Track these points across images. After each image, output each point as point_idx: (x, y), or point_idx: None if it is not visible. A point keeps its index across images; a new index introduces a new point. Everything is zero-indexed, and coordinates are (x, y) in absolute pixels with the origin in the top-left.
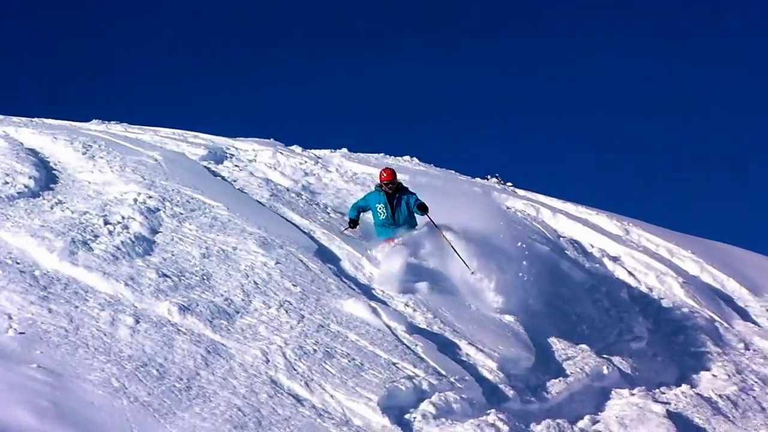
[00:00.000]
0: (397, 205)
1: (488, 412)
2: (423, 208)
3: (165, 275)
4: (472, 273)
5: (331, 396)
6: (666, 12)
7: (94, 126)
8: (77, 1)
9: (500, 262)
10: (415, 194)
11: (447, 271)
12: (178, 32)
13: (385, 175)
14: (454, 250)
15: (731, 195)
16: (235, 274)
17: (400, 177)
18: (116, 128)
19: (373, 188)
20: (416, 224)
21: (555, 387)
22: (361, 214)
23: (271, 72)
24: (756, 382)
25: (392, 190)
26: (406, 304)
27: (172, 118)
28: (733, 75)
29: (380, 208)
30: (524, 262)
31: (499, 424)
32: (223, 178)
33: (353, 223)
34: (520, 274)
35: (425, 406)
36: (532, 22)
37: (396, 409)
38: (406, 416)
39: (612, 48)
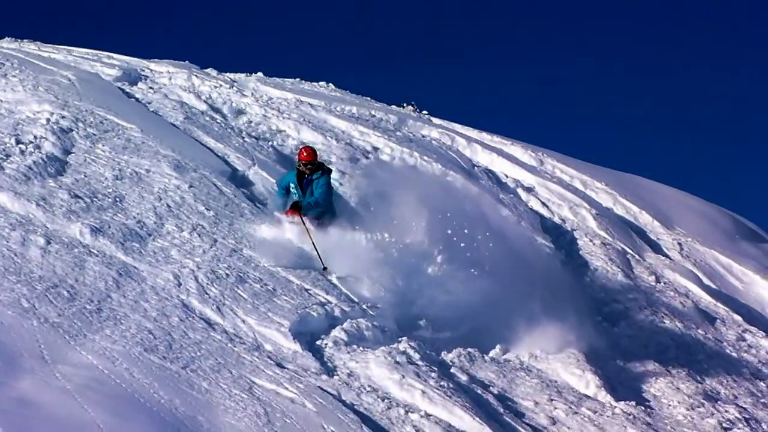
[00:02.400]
0: (307, 186)
1: (400, 339)
2: (294, 206)
3: (77, 196)
4: (324, 269)
5: (243, 321)
6: None
7: (6, 44)
8: None
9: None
10: (323, 179)
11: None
12: None
13: (305, 154)
14: (314, 247)
15: (645, 126)
16: (148, 197)
17: (315, 102)
18: (29, 47)
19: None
20: (333, 211)
21: (467, 317)
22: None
23: None
24: (666, 314)
25: (309, 171)
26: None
27: (87, 38)
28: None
29: (293, 188)
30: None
31: (411, 351)
32: (137, 99)
33: (295, 205)
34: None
35: (337, 332)
36: None
37: (307, 335)
38: (318, 342)
39: None
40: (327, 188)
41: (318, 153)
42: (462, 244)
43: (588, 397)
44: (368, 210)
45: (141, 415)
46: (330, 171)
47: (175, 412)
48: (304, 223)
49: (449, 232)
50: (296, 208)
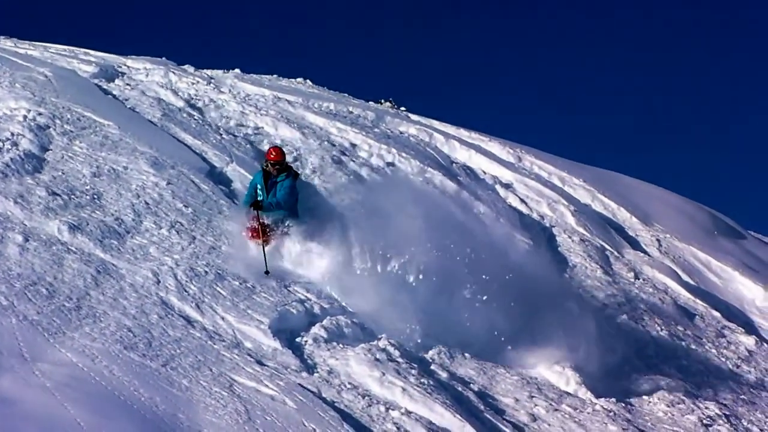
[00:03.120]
0: (272, 188)
1: (379, 336)
2: (255, 204)
3: (55, 193)
4: (266, 273)
5: (222, 318)
6: None
7: None
8: None
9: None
10: (288, 181)
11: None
12: None
13: (273, 155)
14: (263, 252)
15: (623, 124)
16: (126, 194)
17: (292, 98)
18: (5, 43)
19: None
20: (297, 214)
21: (448, 314)
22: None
23: None
24: (645, 311)
25: (276, 172)
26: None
27: (63, 35)
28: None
29: (259, 189)
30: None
31: (390, 349)
32: (114, 96)
33: (256, 204)
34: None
35: (316, 329)
36: None
37: (287, 332)
38: (297, 339)
39: None
40: (290, 191)
41: (286, 155)
42: (439, 252)
43: (568, 394)
44: (351, 213)
45: (121, 412)
46: (297, 175)
47: (155, 409)
48: (260, 223)
49: (430, 237)
50: (256, 207)
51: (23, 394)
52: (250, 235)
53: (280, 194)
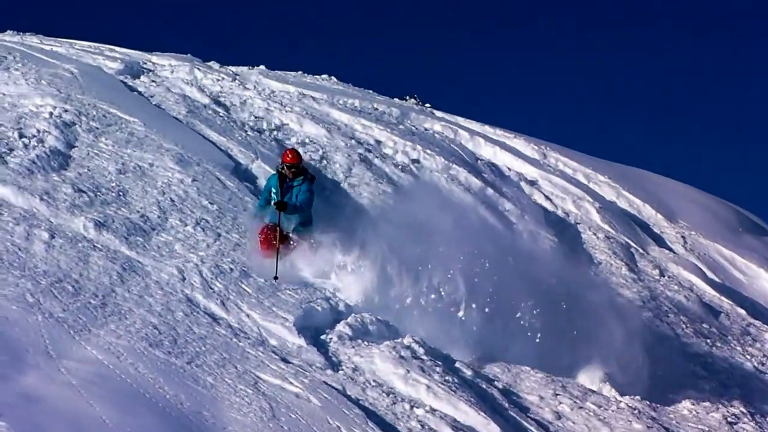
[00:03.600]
0: (288, 191)
1: (404, 334)
2: (280, 206)
3: (81, 190)
4: (275, 278)
5: (247, 315)
6: None
7: (9, 37)
8: None
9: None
10: (306, 185)
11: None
12: None
13: (289, 157)
14: (276, 256)
15: (647, 120)
16: (152, 191)
17: (317, 95)
18: (32, 40)
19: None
20: (311, 221)
21: (471, 312)
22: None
23: None
24: (670, 308)
25: (292, 175)
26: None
27: (89, 31)
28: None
29: (273, 193)
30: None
31: (415, 346)
32: (139, 93)
33: (280, 205)
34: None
35: (341, 327)
36: None
37: (312, 330)
38: (322, 337)
39: None
40: (310, 195)
41: (312, 152)
42: (479, 267)
43: (593, 391)
44: (382, 222)
45: (146, 410)
46: (314, 179)
47: (181, 407)
48: (279, 228)
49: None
50: (280, 208)
51: (49, 392)
52: (264, 241)
53: (302, 198)
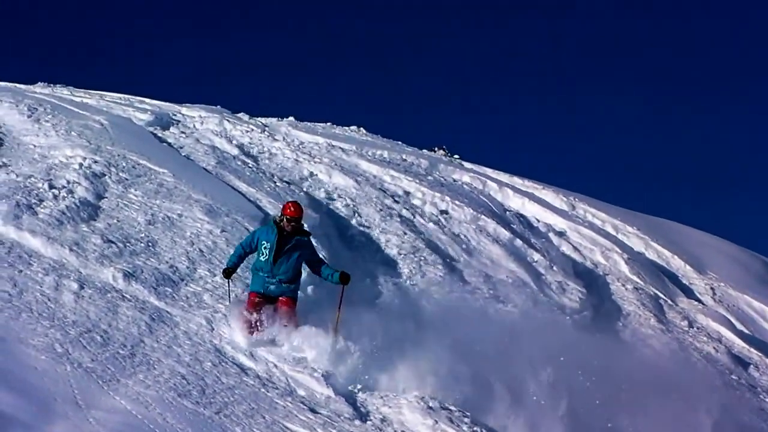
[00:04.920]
0: (286, 252)
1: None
2: (345, 279)
3: (110, 241)
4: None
5: (275, 365)
6: None
7: (40, 89)
8: None
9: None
10: (311, 246)
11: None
12: None
13: (291, 210)
14: (336, 324)
15: (676, 172)
16: (181, 242)
17: (346, 146)
18: (62, 91)
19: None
20: (297, 286)
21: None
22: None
23: (217, 38)
24: (699, 359)
25: (292, 229)
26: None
27: (119, 83)
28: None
29: (265, 248)
30: None
31: (442, 396)
32: (169, 144)
33: (228, 272)
34: None
35: (369, 378)
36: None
37: (340, 380)
38: (350, 387)
39: (566, 16)
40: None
41: (342, 203)
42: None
43: None
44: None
45: None
46: (309, 234)
47: None
48: (340, 302)
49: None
50: (345, 281)
51: None
52: (249, 323)
53: (327, 271)
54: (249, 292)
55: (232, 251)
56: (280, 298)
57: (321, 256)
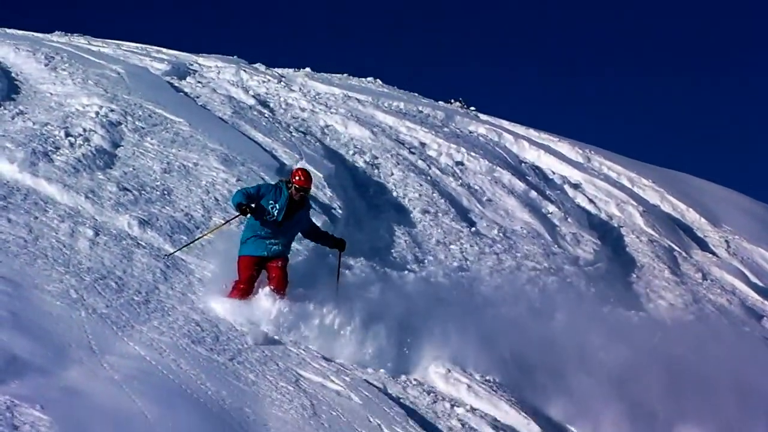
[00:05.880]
0: (294, 217)
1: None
2: (341, 245)
3: (125, 189)
4: (338, 276)
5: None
6: None
7: (57, 37)
8: None
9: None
10: (309, 213)
11: None
12: None
13: (301, 178)
14: (337, 276)
15: (692, 124)
16: (196, 190)
17: (362, 97)
18: (79, 40)
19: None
20: (289, 251)
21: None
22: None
23: None
24: (713, 311)
25: (300, 199)
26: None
27: (136, 32)
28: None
29: (273, 207)
30: None
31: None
32: (185, 93)
33: (244, 208)
34: None
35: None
36: None
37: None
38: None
39: None
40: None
41: (361, 155)
42: None
43: None
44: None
45: (188, 406)
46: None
47: (222, 403)
48: (338, 268)
49: None
50: (341, 246)
51: (91, 387)
52: (245, 289)
53: (334, 238)
54: (244, 256)
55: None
56: (278, 260)
57: (336, 207)
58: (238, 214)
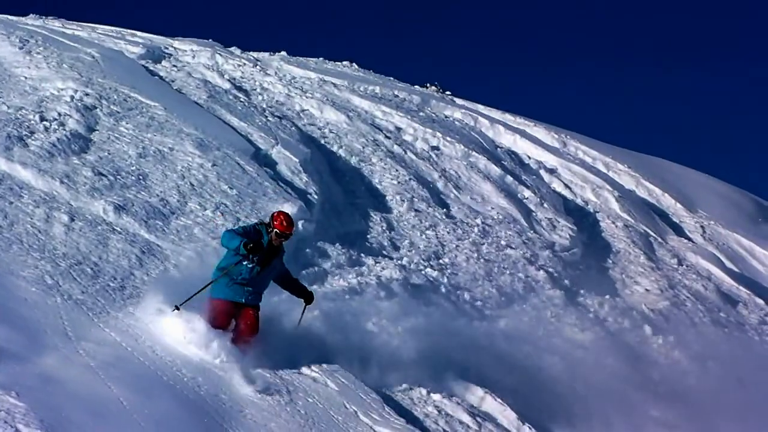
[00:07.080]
0: (271, 263)
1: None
2: (309, 298)
3: (101, 174)
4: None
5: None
6: None
7: (31, 21)
8: None
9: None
10: (284, 263)
11: None
12: None
13: (283, 223)
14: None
15: (668, 109)
16: (172, 175)
17: (338, 81)
18: (54, 24)
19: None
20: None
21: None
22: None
23: None
24: (688, 297)
25: (278, 245)
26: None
27: (111, 16)
28: None
29: (248, 252)
30: None
31: None
32: (160, 77)
33: (252, 246)
34: None
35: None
36: None
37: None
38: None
39: None
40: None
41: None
42: None
43: None
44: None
45: (164, 392)
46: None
47: (198, 390)
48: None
49: None
50: (310, 301)
51: (67, 373)
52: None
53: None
54: (220, 299)
55: (223, 185)
56: (250, 308)
57: (311, 192)
58: (245, 254)
